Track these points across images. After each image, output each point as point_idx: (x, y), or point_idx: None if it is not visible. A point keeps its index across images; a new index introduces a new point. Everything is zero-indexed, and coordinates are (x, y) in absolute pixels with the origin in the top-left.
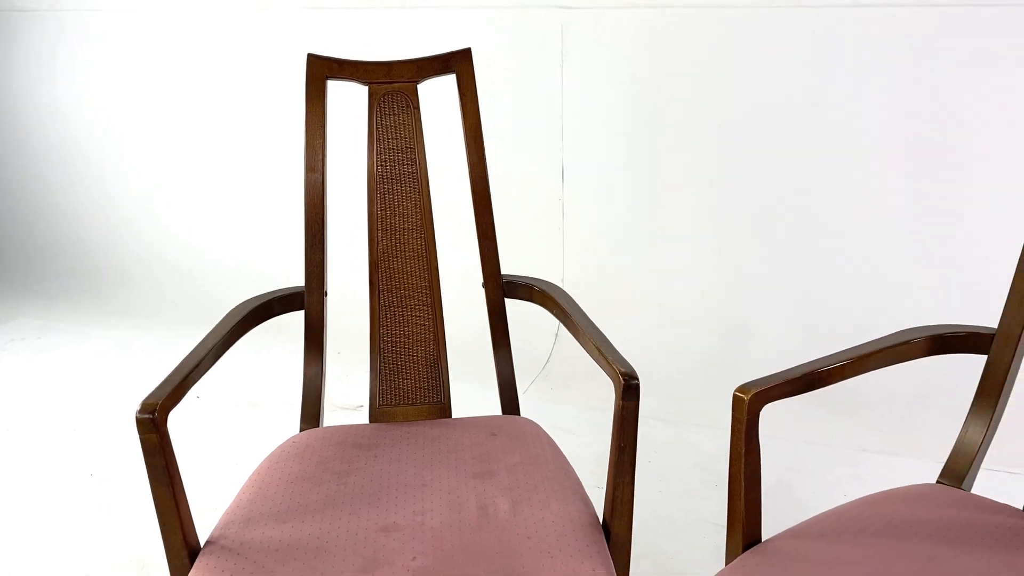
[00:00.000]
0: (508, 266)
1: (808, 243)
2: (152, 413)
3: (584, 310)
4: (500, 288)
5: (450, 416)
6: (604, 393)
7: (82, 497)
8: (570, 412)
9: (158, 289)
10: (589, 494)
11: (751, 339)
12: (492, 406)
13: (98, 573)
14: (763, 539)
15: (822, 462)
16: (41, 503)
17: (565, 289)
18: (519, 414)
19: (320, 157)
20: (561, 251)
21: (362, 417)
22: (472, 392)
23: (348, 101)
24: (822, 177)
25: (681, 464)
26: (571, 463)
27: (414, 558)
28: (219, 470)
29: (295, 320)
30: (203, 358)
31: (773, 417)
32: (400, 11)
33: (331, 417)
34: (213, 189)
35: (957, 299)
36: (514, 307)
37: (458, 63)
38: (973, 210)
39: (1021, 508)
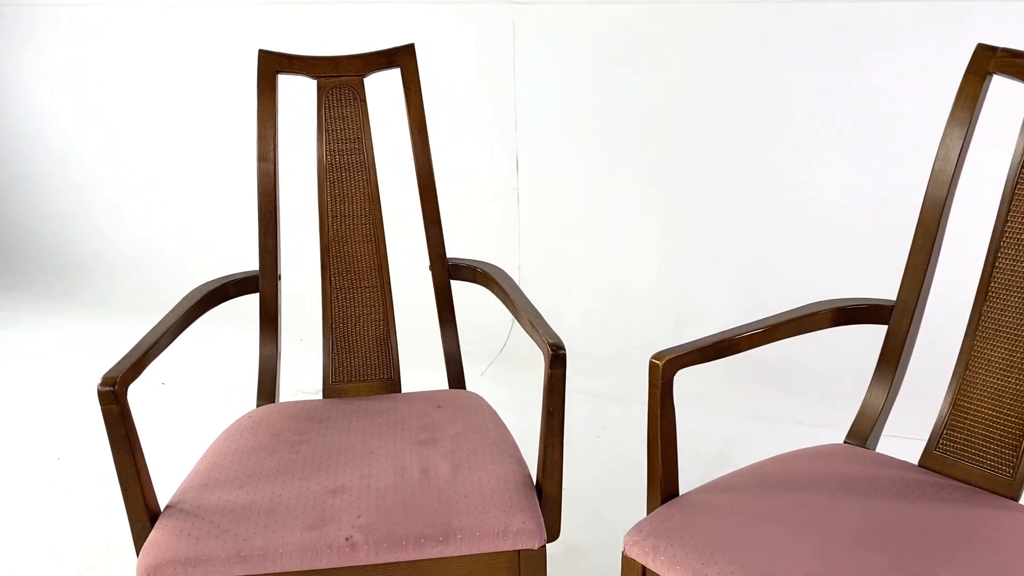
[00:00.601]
0: (465, 253)
1: (747, 229)
2: (113, 386)
3: (524, 291)
4: (445, 270)
5: (400, 391)
6: (531, 376)
7: (50, 480)
8: (524, 392)
9: (120, 279)
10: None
11: (698, 320)
12: (444, 384)
13: (66, 551)
14: (681, 493)
15: (763, 435)
16: (9, 486)
17: (521, 274)
18: (465, 388)
19: (271, 147)
20: (517, 238)
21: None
22: (425, 372)
23: (299, 93)
24: (760, 167)
25: (628, 438)
26: (521, 439)
27: (359, 516)
28: (180, 446)
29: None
30: (161, 336)
31: (721, 394)
32: (354, 5)
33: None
34: (170, 180)
35: (886, 275)
36: (474, 295)
37: (402, 58)
38: (893, 193)
39: (917, 463)
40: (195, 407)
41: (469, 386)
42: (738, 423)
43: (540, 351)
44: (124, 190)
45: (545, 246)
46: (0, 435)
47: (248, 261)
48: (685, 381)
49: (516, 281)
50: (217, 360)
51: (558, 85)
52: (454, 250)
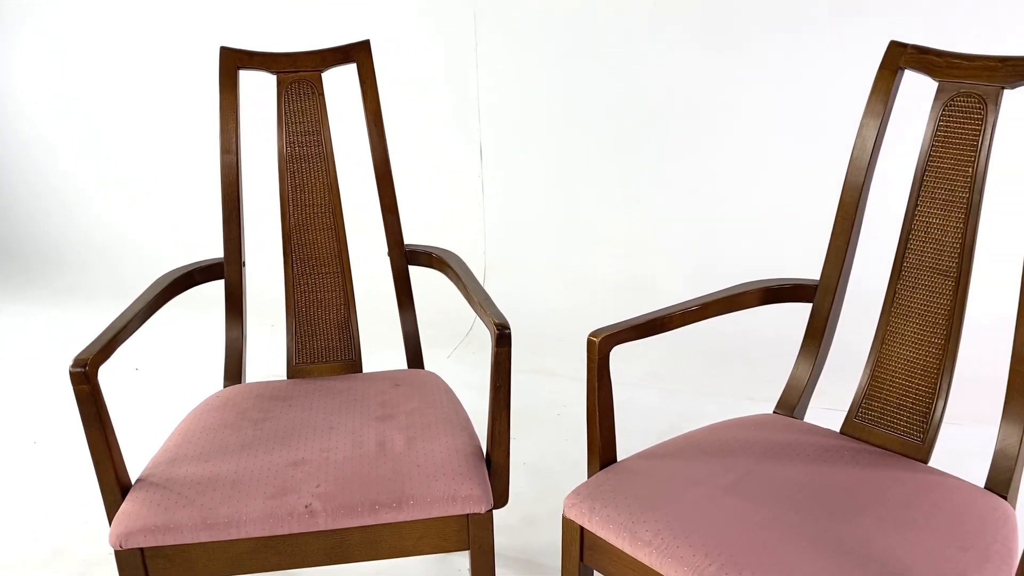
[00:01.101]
0: (432, 239)
1: (702, 211)
2: (84, 367)
3: (491, 275)
4: (403, 257)
5: (361, 371)
6: (516, 359)
7: (27, 462)
8: (487, 373)
9: (90, 267)
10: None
11: (656, 300)
12: (404, 364)
13: (45, 528)
14: (618, 460)
15: (712, 411)
16: None
17: (487, 259)
18: (423, 368)
19: (234, 139)
20: (482, 224)
21: None
22: (388, 352)
23: (259, 88)
24: (713, 155)
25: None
26: (480, 417)
27: (318, 485)
28: (152, 426)
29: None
30: (129, 320)
31: (675, 372)
32: None
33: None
34: (138, 171)
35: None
36: (443, 280)
37: (358, 53)
38: (825, 180)
39: (839, 431)
40: (165, 390)
41: (438, 366)
42: (690, 399)
43: None
44: (93, 181)
45: (510, 231)
46: None
47: (214, 249)
48: (645, 362)
49: (483, 266)
50: (187, 345)
51: (519, 74)
52: (422, 237)
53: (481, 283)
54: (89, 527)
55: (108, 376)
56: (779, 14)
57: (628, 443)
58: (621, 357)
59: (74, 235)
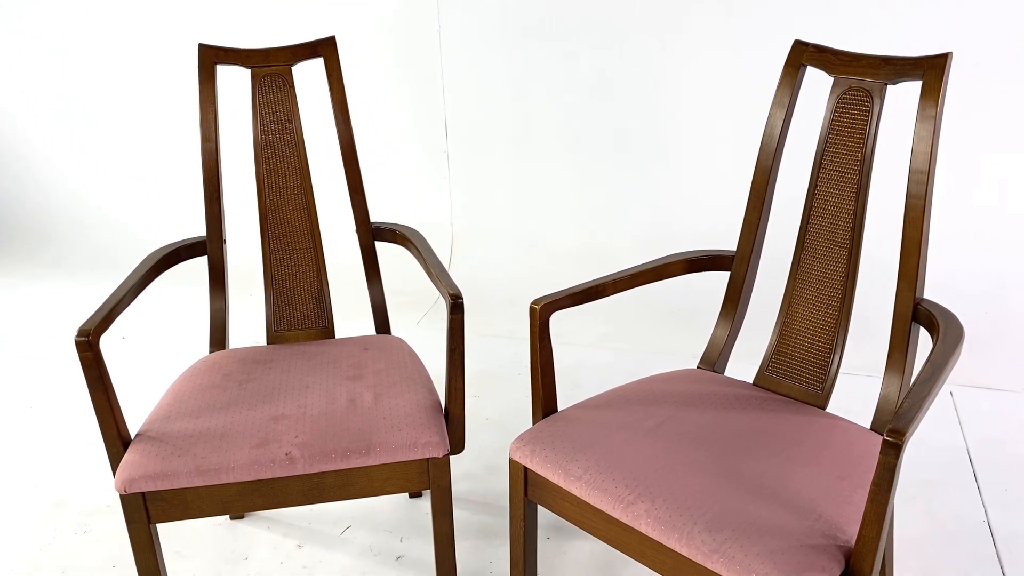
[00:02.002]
0: (400, 212)
1: (651, 186)
2: (87, 336)
3: (456, 244)
4: (370, 233)
5: (333, 337)
6: (478, 323)
7: (25, 425)
8: None
9: (72, 243)
10: (468, 402)
11: (609, 266)
12: (372, 330)
13: (44, 483)
14: (559, 410)
15: (660, 367)
16: None
17: (454, 229)
18: (390, 333)
19: (213, 129)
20: (449, 196)
21: None
22: (359, 320)
23: (235, 81)
24: (661, 133)
25: None
26: (440, 378)
27: (296, 436)
28: (144, 389)
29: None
30: (124, 295)
31: (627, 334)
32: None
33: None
34: (117, 155)
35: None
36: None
37: (324, 48)
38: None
39: (752, 382)
40: (151, 357)
41: (409, 331)
42: (644, 357)
43: (468, 303)
44: (76, 161)
45: (474, 201)
46: None
47: (190, 226)
48: (601, 323)
49: (450, 236)
50: (166, 315)
51: (481, 54)
52: (392, 208)
53: (449, 253)
54: (86, 481)
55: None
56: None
57: (581, 397)
58: (580, 320)
59: (54, 212)
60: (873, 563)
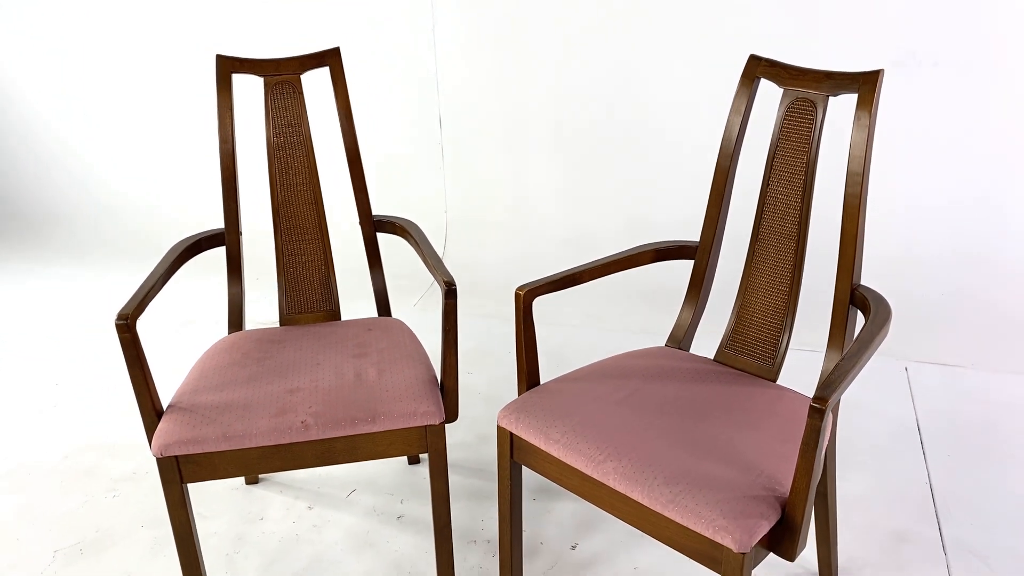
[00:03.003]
0: (399, 203)
1: (632, 178)
2: (126, 319)
3: (450, 231)
4: (371, 225)
5: (339, 319)
6: (470, 305)
7: (52, 399)
8: None
9: (86, 233)
10: (461, 378)
11: (593, 252)
12: (374, 313)
13: (74, 455)
14: (541, 383)
15: (639, 345)
16: (17, 408)
17: (448, 217)
18: (390, 316)
19: (230, 131)
20: (443, 187)
21: None
22: (361, 303)
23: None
24: (642, 128)
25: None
26: (436, 355)
27: (310, 407)
28: (171, 366)
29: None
30: (155, 282)
31: (610, 315)
32: None
33: None
34: (137, 148)
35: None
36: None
37: (330, 59)
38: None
39: (712, 359)
40: (175, 337)
41: (406, 313)
42: (625, 337)
43: (461, 287)
44: (94, 156)
45: (467, 192)
46: (2, 366)
47: (205, 219)
48: (586, 306)
49: (444, 224)
50: (185, 303)
51: (472, 52)
52: (391, 198)
53: (444, 239)
54: (112, 452)
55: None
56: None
57: (566, 372)
58: (566, 303)
59: (68, 205)
60: (804, 511)
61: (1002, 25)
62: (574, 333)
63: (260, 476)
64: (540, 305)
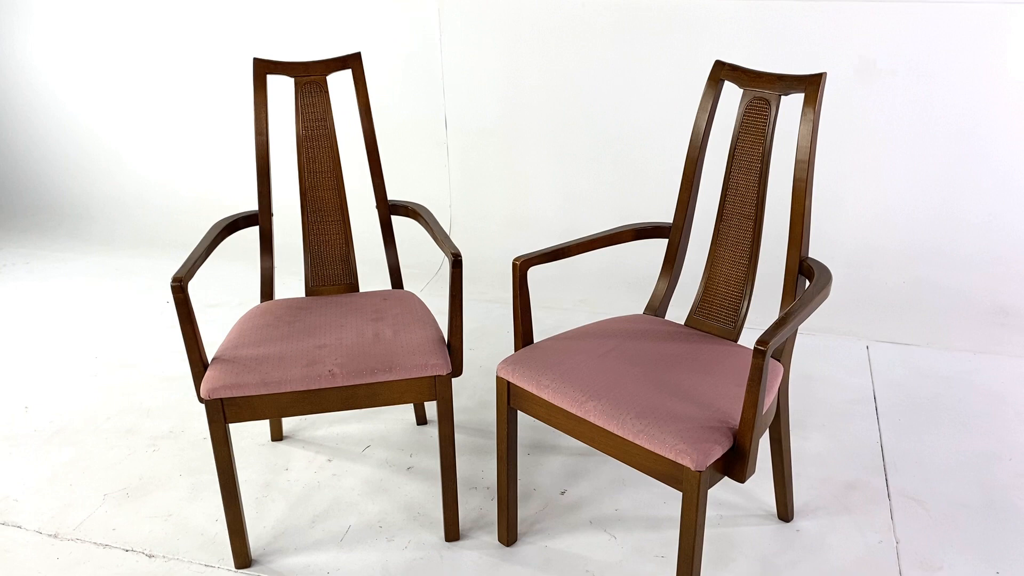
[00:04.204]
0: (407, 195)
1: (618, 171)
2: (180, 281)
3: (454, 220)
4: (387, 208)
5: (358, 291)
6: (473, 290)
7: (92, 370)
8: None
9: (118, 222)
10: (465, 354)
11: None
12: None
13: (114, 417)
14: (535, 341)
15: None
16: (60, 379)
17: (452, 212)
18: (403, 288)
19: (265, 125)
20: (448, 182)
21: None
22: (377, 277)
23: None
24: (628, 124)
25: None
26: (444, 326)
27: (336, 359)
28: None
29: (244, 246)
30: (202, 252)
31: (600, 298)
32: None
33: None
34: (169, 141)
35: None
36: (421, 230)
37: (353, 62)
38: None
39: (684, 323)
40: (202, 319)
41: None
42: (608, 316)
43: (467, 273)
44: (125, 149)
45: (470, 186)
46: (45, 345)
47: (227, 207)
48: (579, 292)
49: (448, 213)
50: (210, 288)
51: (476, 59)
52: (401, 190)
53: (449, 230)
54: (150, 413)
55: (157, 301)
56: (677, 36)
57: None
58: (562, 289)
59: (101, 196)
60: (751, 438)
61: (953, 39)
62: (567, 315)
63: (284, 433)
64: (537, 291)
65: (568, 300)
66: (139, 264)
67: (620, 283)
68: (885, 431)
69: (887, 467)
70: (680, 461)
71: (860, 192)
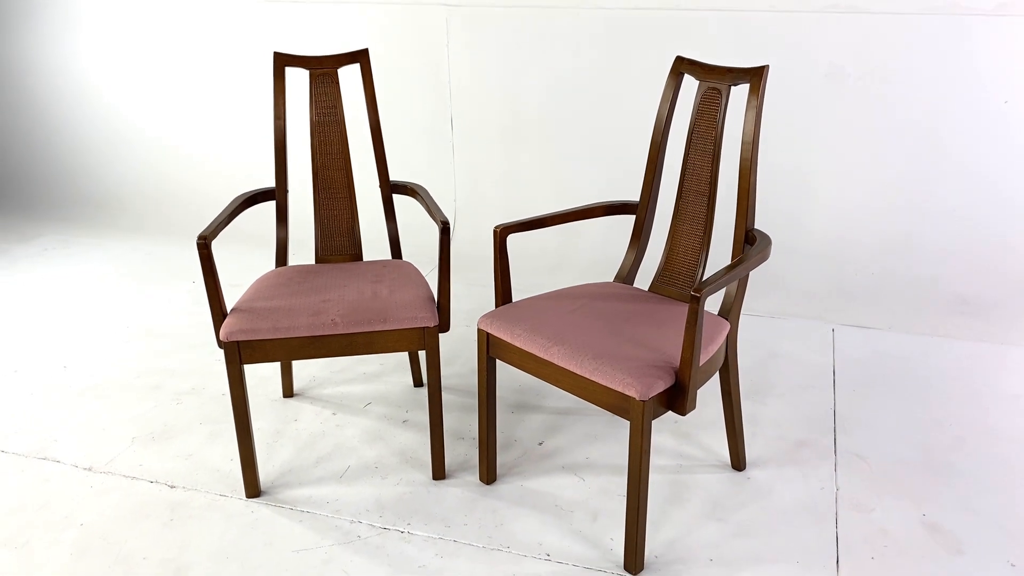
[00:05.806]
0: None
1: (603, 163)
2: (205, 239)
3: (460, 214)
4: (389, 187)
5: (362, 260)
6: (472, 276)
7: (124, 337)
8: (452, 287)
9: (148, 210)
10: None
11: (577, 228)
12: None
13: (145, 376)
14: (513, 301)
15: None
16: (95, 345)
17: (457, 206)
18: (401, 259)
19: (283, 112)
20: (453, 178)
21: None
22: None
23: (298, 78)
24: (612, 122)
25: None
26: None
27: (338, 311)
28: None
29: (259, 232)
30: (224, 217)
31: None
32: (326, 6)
33: None
34: (198, 131)
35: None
36: (422, 218)
37: (361, 57)
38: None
39: (647, 289)
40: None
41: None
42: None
43: (466, 261)
44: (155, 141)
45: (473, 181)
46: (81, 317)
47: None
48: (569, 281)
49: (453, 208)
50: (225, 272)
51: (480, 65)
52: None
53: (453, 221)
54: (174, 373)
55: (190, 274)
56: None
57: None
58: (555, 279)
59: (131, 185)
60: (690, 375)
61: (914, 47)
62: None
63: (295, 391)
64: (527, 280)
65: (549, 285)
66: (167, 250)
67: (611, 275)
68: (840, 401)
69: (837, 429)
70: (627, 392)
71: (831, 188)
